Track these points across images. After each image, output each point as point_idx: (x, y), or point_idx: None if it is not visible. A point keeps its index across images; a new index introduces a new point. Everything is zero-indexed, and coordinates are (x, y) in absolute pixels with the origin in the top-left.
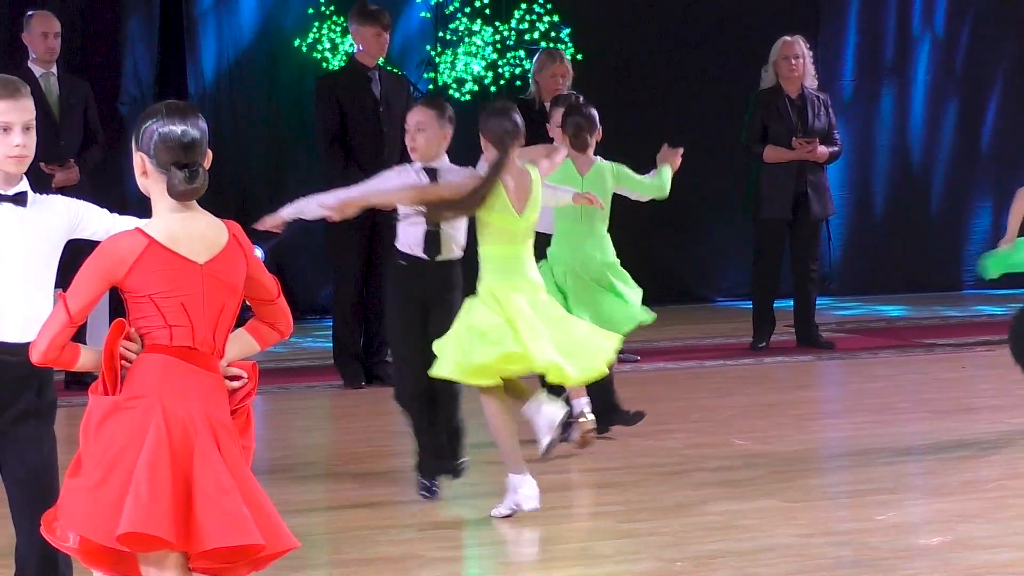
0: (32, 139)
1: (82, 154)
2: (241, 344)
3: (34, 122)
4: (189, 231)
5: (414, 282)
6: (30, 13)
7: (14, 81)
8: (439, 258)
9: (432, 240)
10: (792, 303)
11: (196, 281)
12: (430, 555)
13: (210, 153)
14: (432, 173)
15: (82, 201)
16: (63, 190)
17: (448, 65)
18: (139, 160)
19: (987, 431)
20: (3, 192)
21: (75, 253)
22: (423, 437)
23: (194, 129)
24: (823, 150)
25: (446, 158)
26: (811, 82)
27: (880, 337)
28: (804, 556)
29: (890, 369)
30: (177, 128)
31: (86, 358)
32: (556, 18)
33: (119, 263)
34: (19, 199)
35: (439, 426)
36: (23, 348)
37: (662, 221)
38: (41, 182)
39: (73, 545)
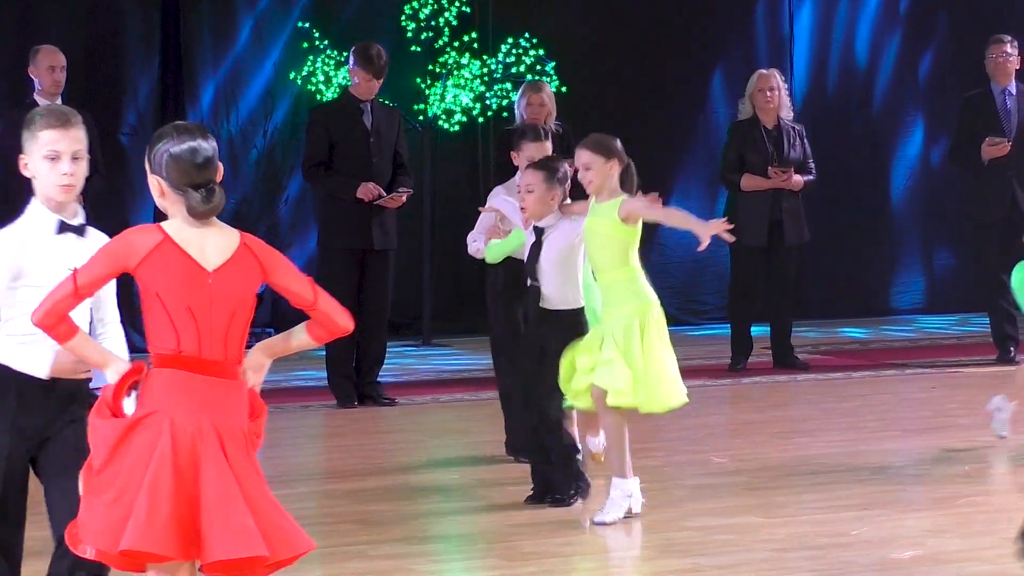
0: (81, 168)
1: (87, 183)
2: (300, 340)
3: (84, 152)
4: (202, 237)
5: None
6: (36, 48)
7: (66, 112)
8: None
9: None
10: (768, 326)
11: (204, 287)
12: (420, 569)
13: (221, 167)
14: (539, 232)
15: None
16: None
17: (438, 97)
18: (155, 183)
19: (956, 448)
20: (69, 222)
21: None
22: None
23: (204, 147)
24: (798, 179)
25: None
26: (787, 113)
27: (852, 358)
28: (781, 570)
29: (863, 389)
30: (187, 148)
31: (80, 345)
32: (541, 52)
33: (133, 252)
34: (80, 230)
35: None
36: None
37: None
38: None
39: (91, 556)
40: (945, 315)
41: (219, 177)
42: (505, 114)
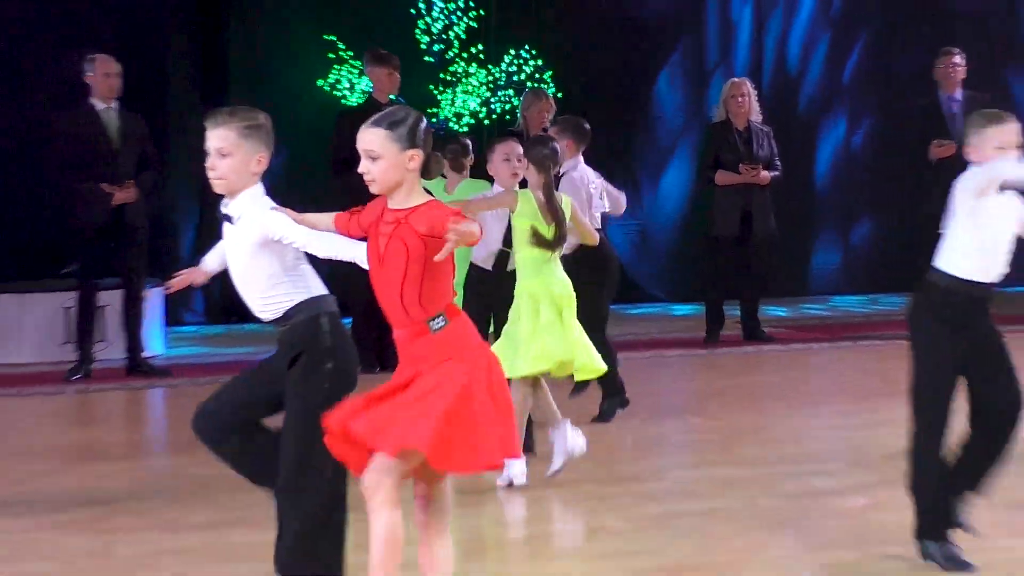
0: (223, 165)
1: (139, 177)
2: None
3: (228, 148)
4: None
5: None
6: (92, 56)
7: (214, 111)
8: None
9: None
10: (738, 304)
11: None
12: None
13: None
14: None
15: (272, 216)
16: (124, 206)
17: (448, 102)
18: (416, 155)
19: (903, 412)
20: (224, 211)
21: None
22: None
23: None
24: (766, 174)
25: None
26: (756, 116)
27: (812, 332)
28: (752, 516)
29: (821, 358)
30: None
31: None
32: (540, 62)
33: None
34: (228, 218)
35: None
36: (275, 323)
37: (632, 236)
38: (103, 200)
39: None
40: (892, 293)
41: None
42: (508, 117)
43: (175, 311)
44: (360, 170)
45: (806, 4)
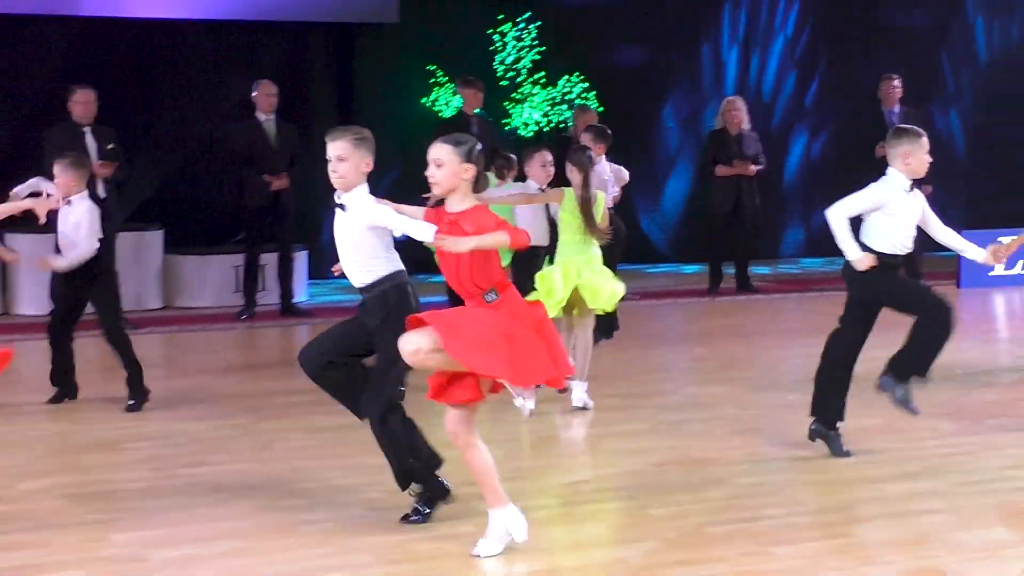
0: (342, 167)
1: (290, 170)
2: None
3: (344, 155)
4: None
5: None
6: (259, 81)
7: (333, 128)
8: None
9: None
10: (733, 264)
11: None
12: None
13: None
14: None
15: (378, 207)
16: (279, 191)
17: (518, 115)
18: (470, 168)
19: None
20: (338, 201)
21: None
22: None
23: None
24: (753, 168)
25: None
26: (746, 125)
27: (788, 285)
28: (740, 421)
29: (792, 304)
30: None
31: None
32: (586, 84)
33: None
34: (341, 207)
35: None
36: (366, 289)
37: (651, 212)
38: (264, 187)
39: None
40: None
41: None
42: (562, 125)
43: (318, 268)
44: (427, 174)
45: (776, 48)
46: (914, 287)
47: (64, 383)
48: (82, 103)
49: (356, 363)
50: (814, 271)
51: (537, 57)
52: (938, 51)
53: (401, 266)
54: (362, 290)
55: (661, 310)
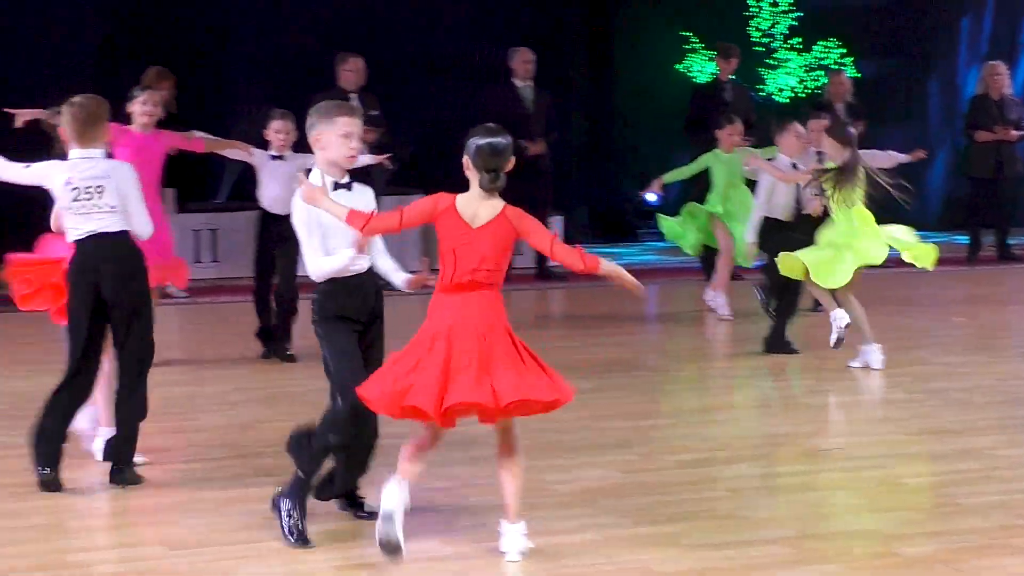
0: (360, 146)
1: (546, 135)
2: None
3: (359, 133)
4: (478, 206)
5: None
6: (515, 48)
7: (351, 104)
8: None
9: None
10: (993, 232)
11: (466, 236)
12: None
13: (512, 160)
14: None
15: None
16: (537, 156)
17: (772, 80)
18: (466, 160)
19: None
20: (339, 181)
21: None
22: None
23: (500, 143)
24: (1015, 133)
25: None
26: (1008, 90)
27: None
28: (997, 391)
29: None
30: (487, 143)
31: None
32: (844, 50)
33: (436, 206)
34: (348, 187)
35: None
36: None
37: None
38: (519, 154)
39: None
40: None
41: (508, 167)
42: (818, 91)
43: (570, 233)
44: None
45: None
46: None
47: None
48: (353, 71)
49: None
50: None
51: (793, 23)
52: None
53: None
54: (362, 276)
55: (918, 278)
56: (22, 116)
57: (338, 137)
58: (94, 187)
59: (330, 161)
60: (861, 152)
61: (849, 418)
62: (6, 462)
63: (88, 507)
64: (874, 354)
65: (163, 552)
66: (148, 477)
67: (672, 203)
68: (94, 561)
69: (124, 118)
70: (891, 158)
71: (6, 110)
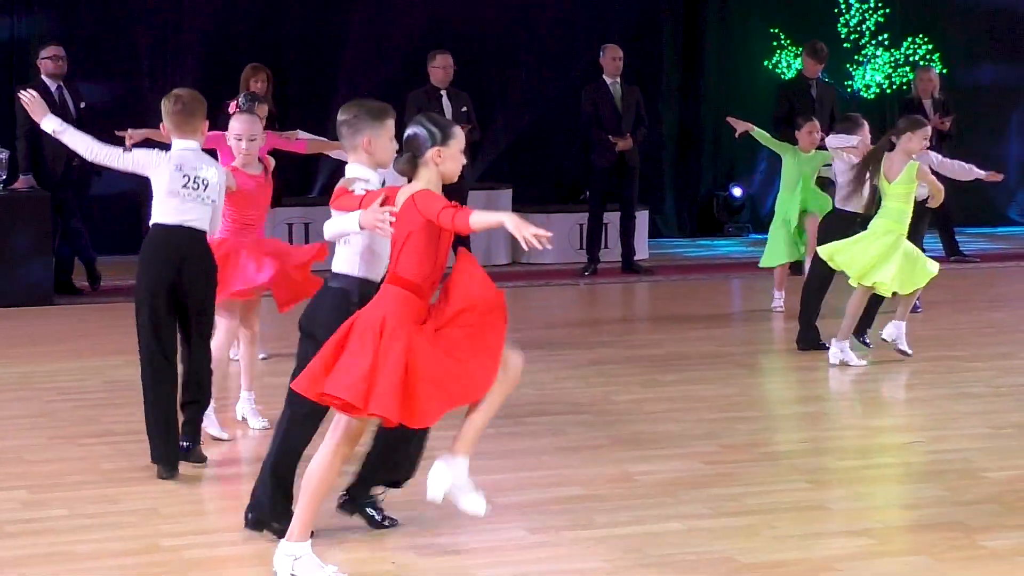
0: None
1: (635, 132)
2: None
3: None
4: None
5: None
6: (605, 45)
7: (389, 106)
8: None
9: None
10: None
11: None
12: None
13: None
14: None
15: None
16: (624, 152)
17: (860, 76)
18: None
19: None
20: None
21: None
22: None
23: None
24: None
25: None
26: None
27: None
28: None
29: None
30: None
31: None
32: (931, 46)
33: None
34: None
35: None
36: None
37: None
38: (610, 148)
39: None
40: None
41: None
42: (905, 88)
43: (655, 227)
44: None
45: None
46: None
47: None
48: (441, 68)
49: None
50: None
51: (881, 19)
52: None
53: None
54: (373, 285)
55: (1004, 273)
56: (134, 137)
57: (388, 140)
58: (201, 180)
59: (379, 163)
60: (944, 160)
61: (933, 411)
62: (106, 447)
63: (185, 493)
64: (847, 352)
65: (250, 536)
66: (245, 466)
67: (757, 199)
68: (185, 546)
69: (226, 119)
70: (969, 172)
71: (117, 133)
